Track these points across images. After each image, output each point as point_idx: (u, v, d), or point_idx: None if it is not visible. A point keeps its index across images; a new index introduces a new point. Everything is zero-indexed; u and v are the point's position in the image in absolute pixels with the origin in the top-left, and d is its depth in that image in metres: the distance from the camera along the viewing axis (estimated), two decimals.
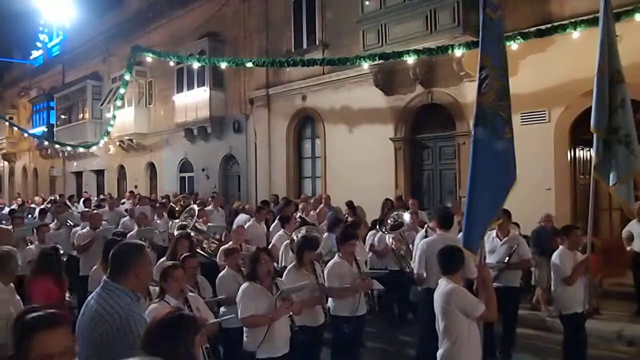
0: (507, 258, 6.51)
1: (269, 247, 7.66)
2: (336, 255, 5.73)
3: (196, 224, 8.33)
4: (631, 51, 8.01)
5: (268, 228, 9.70)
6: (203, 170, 18.17)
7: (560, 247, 5.85)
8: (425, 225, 7.63)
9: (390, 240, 8.11)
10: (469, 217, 4.16)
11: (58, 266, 5.48)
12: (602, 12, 5.45)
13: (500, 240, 6.66)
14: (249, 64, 14.12)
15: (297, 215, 9.95)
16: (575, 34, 8.87)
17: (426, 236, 6.73)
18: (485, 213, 4.17)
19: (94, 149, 22.64)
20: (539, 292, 8.37)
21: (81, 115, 24.14)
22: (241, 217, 10.59)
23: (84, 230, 8.62)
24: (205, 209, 11.26)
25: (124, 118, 20.81)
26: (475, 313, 3.88)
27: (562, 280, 5.67)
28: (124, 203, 15.16)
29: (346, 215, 11.29)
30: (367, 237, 8.66)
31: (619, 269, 9.02)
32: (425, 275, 5.99)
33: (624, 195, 5.27)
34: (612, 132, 5.22)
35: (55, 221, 10.42)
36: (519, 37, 9.35)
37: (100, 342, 2.77)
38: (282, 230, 8.22)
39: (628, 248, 8.41)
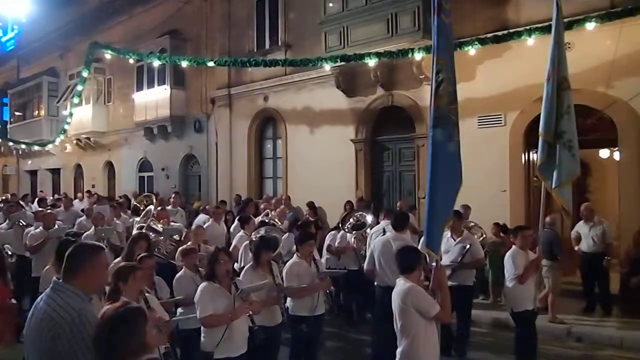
0: (460, 257, 6.67)
1: (231, 248, 7.66)
2: (295, 255, 5.76)
3: (152, 224, 8.21)
4: (581, 59, 8.36)
5: (228, 229, 9.65)
6: (163, 169, 17.93)
7: (513, 246, 6.04)
8: (382, 224, 7.77)
9: (353, 239, 8.19)
10: (430, 218, 4.24)
11: (3, 266, 5.31)
12: (554, 20, 5.65)
13: (455, 240, 6.85)
14: (211, 63, 14.06)
15: (261, 217, 9.92)
16: (530, 40, 9.15)
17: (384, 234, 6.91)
18: (443, 214, 4.28)
19: (49, 147, 22.04)
20: (550, 297, 8.16)
21: (36, 112, 23.49)
22: (200, 218, 10.50)
23: (36, 231, 8.37)
24: (167, 208, 11.11)
25: (82, 116, 20.36)
26: (430, 313, 3.95)
27: (515, 279, 5.84)
28: (82, 205, 14.79)
29: (307, 216, 11.33)
30: (327, 238, 8.74)
31: (569, 268, 9.33)
32: (374, 271, 6.29)
33: (565, 197, 5.48)
34: (558, 136, 5.44)
35: (7, 221, 10.10)
36: (476, 42, 9.61)
37: (52, 345, 2.68)
38: (242, 231, 8.21)
39: (576, 248, 8.72)
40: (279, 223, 9.54)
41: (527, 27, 9.16)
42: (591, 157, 11.30)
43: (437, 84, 4.23)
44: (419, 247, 4.90)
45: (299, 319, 5.57)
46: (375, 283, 6.35)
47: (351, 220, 8.44)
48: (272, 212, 10.85)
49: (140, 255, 5.22)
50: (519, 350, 6.02)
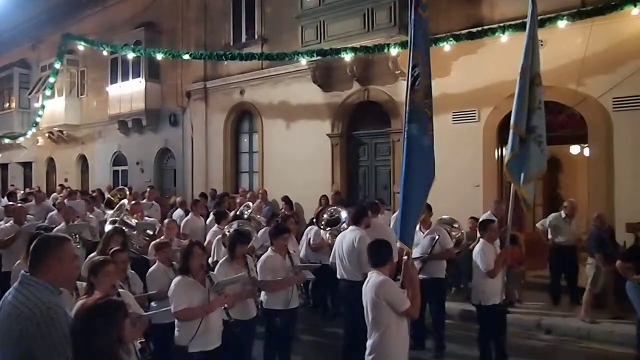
0: (429, 249, 6.73)
1: (205, 242, 7.62)
2: (269, 249, 5.78)
3: (125, 218, 8.13)
4: (553, 56, 8.51)
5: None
6: (137, 163, 17.74)
7: (481, 240, 6.13)
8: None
9: (327, 235, 8.20)
10: (404, 211, 4.24)
11: None
12: (529, 16, 5.74)
13: (423, 233, 6.86)
14: (186, 56, 13.98)
15: (241, 209, 9.91)
16: (504, 37, 9.29)
17: None
18: (417, 207, 4.29)
19: (21, 140, 21.70)
20: (586, 296, 7.88)
21: (7, 104, 23.07)
22: (177, 212, 10.44)
23: (7, 225, 8.22)
24: (142, 202, 11.00)
25: (54, 108, 20.06)
26: (400, 308, 3.97)
27: (486, 273, 5.93)
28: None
29: (283, 210, 11.34)
30: (306, 232, 8.74)
31: (540, 261, 9.52)
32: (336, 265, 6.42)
33: (530, 193, 5.59)
34: (530, 131, 5.53)
35: None
36: (451, 38, 9.72)
37: (19, 339, 2.64)
38: (216, 225, 8.19)
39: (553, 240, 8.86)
40: (258, 217, 9.55)
41: (501, 24, 9.29)
42: (562, 153, 11.54)
43: (414, 79, 4.23)
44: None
45: (273, 312, 5.59)
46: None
47: (325, 215, 8.44)
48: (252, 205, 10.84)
49: (113, 249, 5.19)
50: (483, 343, 6.12)
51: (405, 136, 4.25)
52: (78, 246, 7.62)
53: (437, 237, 6.79)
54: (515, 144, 5.52)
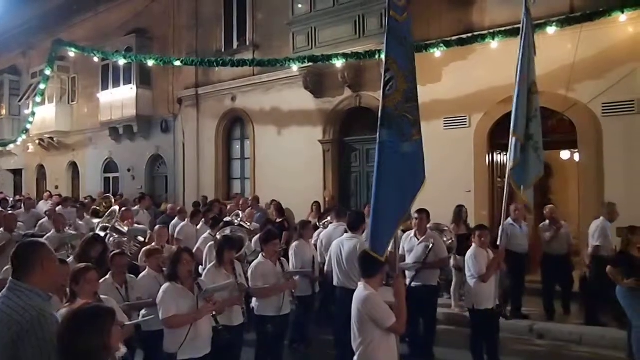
0: (423, 257, 6.64)
1: (194, 249, 7.56)
2: (260, 255, 5.76)
3: (116, 225, 8.10)
4: (543, 62, 8.49)
5: None
6: (129, 170, 17.68)
7: (473, 245, 6.14)
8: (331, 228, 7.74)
9: None
10: (375, 219, 4.07)
11: None
12: (524, 23, 5.77)
13: (418, 240, 6.80)
14: (178, 63, 13.98)
15: (230, 218, 9.88)
16: (494, 43, 9.34)
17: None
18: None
19: (11, 147, 21.58)
20: None
21: None
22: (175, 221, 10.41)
23: None
24: (133, 209, 10.95)
25: (45, 115, 19.97)
26: (385, 325, 3.85)
27: (478, 278, 5.94)
28: (47, 206, 14.42)
29: (274, 217, 11.29)
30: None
31: (532, 267, 9.51)
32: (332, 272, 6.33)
33: (530, 198, 5.64)
34: (528, 138, 5.58)
35: None
36: (441, 44, 9.77)
37: (9, 345, 2.63)
38: (207, 232, 8.16)
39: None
40: (248, 225, 9.50)
41: (491, 31, 9.35)
42: (552, 158, 11.57)
43: (384, 84, 4.09)
44: None
45: (265, 319, 5.58)
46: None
47: (329, 218, 8.44)
48: (242, 214, 10.81)
49: (113, 253, 5.21)
50: (475, 347, 6.14)
51: (377, 142, 4.07)
52: (71, 255, 7.56)
53: (431, 245, 6.69)
54: (518, 152, 5.54)
